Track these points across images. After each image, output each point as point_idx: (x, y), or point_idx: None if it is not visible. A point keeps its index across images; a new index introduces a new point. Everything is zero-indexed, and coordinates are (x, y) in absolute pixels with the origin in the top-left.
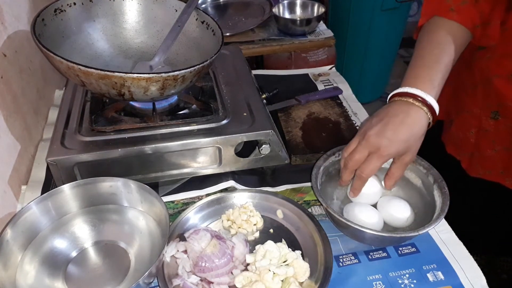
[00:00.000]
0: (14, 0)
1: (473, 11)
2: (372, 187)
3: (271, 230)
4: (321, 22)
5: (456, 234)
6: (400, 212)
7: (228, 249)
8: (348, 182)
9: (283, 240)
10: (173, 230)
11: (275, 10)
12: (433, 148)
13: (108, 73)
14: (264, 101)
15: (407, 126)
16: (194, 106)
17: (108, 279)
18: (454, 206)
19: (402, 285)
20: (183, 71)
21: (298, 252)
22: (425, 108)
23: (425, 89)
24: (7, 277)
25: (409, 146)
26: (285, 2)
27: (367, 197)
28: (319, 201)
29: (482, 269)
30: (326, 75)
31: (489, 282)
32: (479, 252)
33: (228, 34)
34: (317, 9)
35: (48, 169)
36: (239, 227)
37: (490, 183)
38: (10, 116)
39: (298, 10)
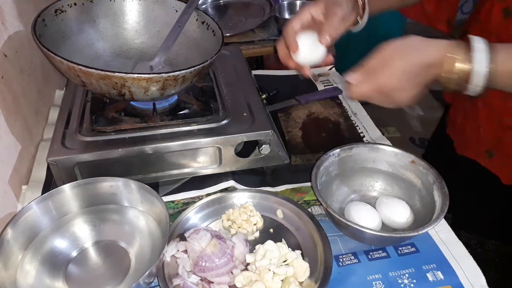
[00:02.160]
0: (15, 0)
1: None
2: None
3: (271, 230)
4: None
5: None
6: (399, 214)
7: (228, 249)
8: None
9: (283, 240)
10: (173, 230)
11: (275, 10)
12: (437, 128)
13: (108, 73)
14: (264, 101)
15: None
16: (194, 106)
17: (108, 278)
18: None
19: (402, 285)
20: (183, 71)
21: (298, 252)
22: None
23: None
24: (8, 277)
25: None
26: (285, 2)
27: (310, 54)
28: (319, 201)
29: (474, 250)
30: (326, 75)
31: (482, 264)
32: (468, 230)
33: (228, 34)
34: None
35: (48, 169)
36: (239, 227)
37: (472, 161)
38: (10, 116)
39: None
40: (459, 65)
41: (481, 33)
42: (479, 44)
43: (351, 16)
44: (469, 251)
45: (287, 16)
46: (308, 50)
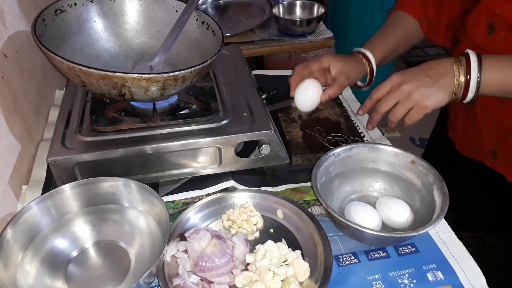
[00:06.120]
0: (15, 1)
1: (419, 5)
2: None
3: (271, 230)
4: (321, 22)
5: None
6: (399, 214)
7: (228, 249)
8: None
9: (283, 240)
10: (173, 230)
11: (275, 10)
12: (437, 130)
13: (108, 73)
14: (264, 101)
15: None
16: (194, 106)
17: (108, 279)
18: (447, 184)
19: (402, 285)
20: (183, 71)
21: (298, 252)
22: (360, 56)
23: (366, 47)
24: (8, 277)
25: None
26: (285, 2)
27: (305, 102)
28: (319, 201)
29: (476, 248)
30: None
31: (484, 262)
32: (469, 229)
33: (228, 34)
34: (317, 10)
35: (48, 169)
36: (239, 227)
37: (476, 162)
38: (10, 116)
39: (298, 11)
40: (461, 78)
41: (466, 43)
42: (473, 56)
43: (357, 78)
44: (471, 251)
45: (287, 16)
46: (305, 98)
